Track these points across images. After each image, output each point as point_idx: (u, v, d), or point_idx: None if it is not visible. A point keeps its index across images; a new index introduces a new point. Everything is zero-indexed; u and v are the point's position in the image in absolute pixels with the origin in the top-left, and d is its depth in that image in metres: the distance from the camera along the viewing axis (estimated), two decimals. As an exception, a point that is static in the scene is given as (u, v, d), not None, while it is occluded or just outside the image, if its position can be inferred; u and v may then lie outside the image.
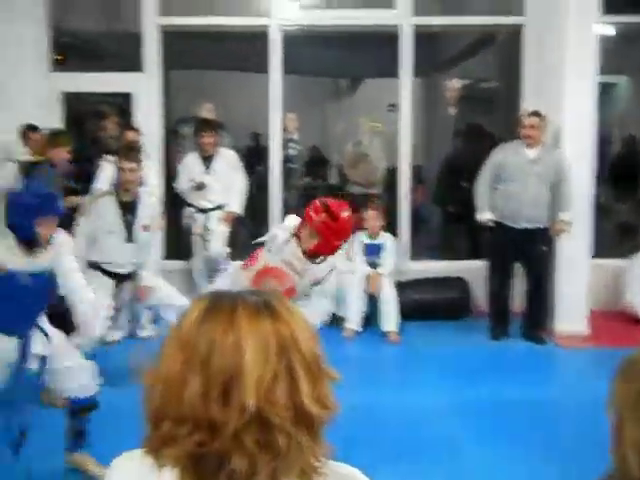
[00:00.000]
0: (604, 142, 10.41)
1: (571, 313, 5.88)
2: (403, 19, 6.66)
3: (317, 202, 3.33)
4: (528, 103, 6.44)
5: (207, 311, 1.01)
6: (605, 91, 10.46)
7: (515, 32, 6.75)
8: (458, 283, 6.52)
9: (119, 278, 4.72)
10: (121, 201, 4.67)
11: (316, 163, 8.72)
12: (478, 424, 4.14)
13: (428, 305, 6.31)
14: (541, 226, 5.71)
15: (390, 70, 7.02)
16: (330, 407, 1.02)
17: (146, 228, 4.72)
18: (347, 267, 5.99)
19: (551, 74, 6.10)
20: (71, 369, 3.35)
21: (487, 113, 8.51)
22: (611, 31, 7.41)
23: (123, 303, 4.99)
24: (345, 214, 3.31)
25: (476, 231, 6.37)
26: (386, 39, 7.09)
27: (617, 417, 1.05)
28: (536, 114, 5.79)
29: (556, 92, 5.96)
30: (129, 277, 4.75)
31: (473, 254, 6.92)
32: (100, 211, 4.64)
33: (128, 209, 4.66)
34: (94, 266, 4.61)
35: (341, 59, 9.46)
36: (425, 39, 7.31)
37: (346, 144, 7.93)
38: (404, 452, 3.72)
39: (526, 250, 5.73)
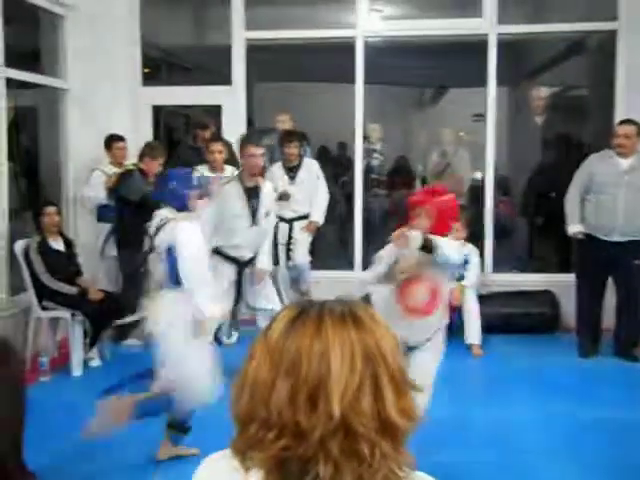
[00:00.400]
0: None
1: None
2: (489, 28, 6.56)
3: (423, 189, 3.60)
4: (621, 111, 6.22)
5: (295, 319, 1.04)
6: None
7: (608, 38, 6.54)
8: (546, 297, 6.34)
9: (241, 265, 4.91)
10: (245, 187, 4.84)
11: (400, 173, 8.68)
12: (562, 441, 4.01)
13: (514, 319, 6.17)
14: (635, 239, 5.48)
15: (475, 79, 6.93)
16: (415, 418, 1.02)
17: (267, 214, 4.94)
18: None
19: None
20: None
21: (577, 122, 8.26)
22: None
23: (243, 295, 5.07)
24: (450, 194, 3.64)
25: (565, 243, 6.19)
26: (471, 48, 7.01)
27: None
28: (630, 122, 5.58)
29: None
30: (250, 263, 4.94)
31: (562, 267, 6.72)
32: (225, 196, 4.80)
33: (252, 195, 4.86)
34: (218, 252, 4.79)
35: (425, 69, 9.40)
36: (512, 47, 7.18)
37: (430, 154, 7.88)
38: (488, 464, 3.65)
39: (618, 264, 5.51)
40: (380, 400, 0.98)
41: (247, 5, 6.69)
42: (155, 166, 5.62)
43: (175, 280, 3.56)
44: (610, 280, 5.67)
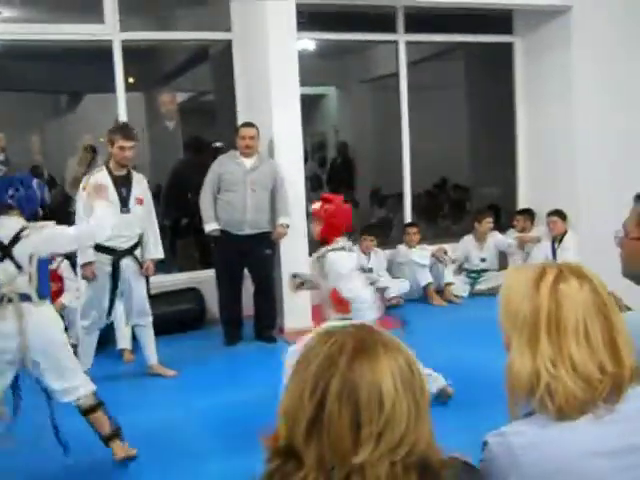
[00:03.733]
0: (321, 148, 11.31)
1: (296, 310, 6.28)
2: (112, 34, 6.59)
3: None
4: (242, 115, 6.76)
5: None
6: (316, 101, 11.36)
7: (226, 47, 7.04)
8: (192, 294, 6.61)
9: (118, 254, 5.06)
10: (114, 176, 5.06)
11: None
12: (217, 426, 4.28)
13: (163, 319, 6.26)
14: (263, 231, 6.03)
15: (109, 85, 6.91)
16: None
17: (141, 202, 5.14)
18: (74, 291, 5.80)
19: (258, 87, 6.46)
20: None
21: (207, 125, 8.73)
22: (312, 46, 8.08)
23: None
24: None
25: (205, 241, 6.51)
26: (100, 54, 6.96)
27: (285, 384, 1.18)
28: (250, 125, 6.09)
29: (265, 103, 6.32)
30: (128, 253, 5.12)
31: (204, 264, 7.07)
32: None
33: (121, 183, 5.08)
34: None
35: (57, 74, 9.08)
36: (140, 54, 7.32)
37: (69, 161, 7.64)
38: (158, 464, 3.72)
39: (251, 255, 6.00)
40: None
41: None
42: None
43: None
44: (246, 271, 6.16)
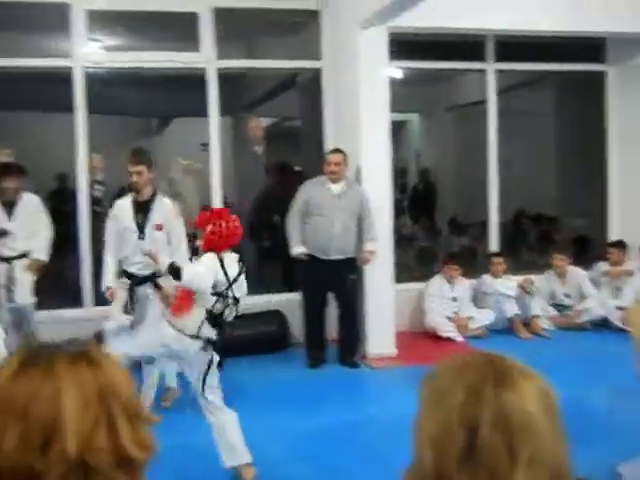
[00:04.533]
0: (402, 175, 11.32)
1: (380, 336, 6.27)
2: (207, 61, 6.82)
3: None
4: (330, 141, 6.85)
5: (25, 362, 1.03)
6: (399, 128, 11.38)
7: (315, 75, 7.17)
8: (275, 316, 6.68)
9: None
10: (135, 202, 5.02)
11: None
12: (298, 450, 4.30)
13: (246, 340, 6.38)
14: (349, 256, 6.06)
15: (198, 110, 7.14)
16: (149, 449, 1.06)
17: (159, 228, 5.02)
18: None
19: (348, 114, 6.54)
20: None
21: (293, 150, 8.88)
22: (400, 74, 8.14)
23: None
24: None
25: (290, 264, 6.59)
26: (192, 80, 7.22)
27: (418, 414, 1.18)
28: (338, 151, 6.17)
29: (354, 130, 6.39)
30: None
31: (288, 287, 7.15)
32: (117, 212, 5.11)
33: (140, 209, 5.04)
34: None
35: (150, 99, 9.44)
36: (231, 80, 7.53)
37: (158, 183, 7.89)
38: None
39: (336, 279, 6.04)
40: (116, 435, 1.01)
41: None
42: None
43: None
44: (331, 295, 6.20)
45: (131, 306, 4.93)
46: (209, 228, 3.76)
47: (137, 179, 4.96)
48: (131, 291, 4.94)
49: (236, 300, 3.85)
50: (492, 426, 1.09)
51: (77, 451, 0.98)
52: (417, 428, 1.18)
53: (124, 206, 4.99)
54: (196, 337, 3.74)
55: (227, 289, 3.76)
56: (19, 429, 0.98)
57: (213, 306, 3.75)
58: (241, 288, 3.89)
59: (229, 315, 3.85)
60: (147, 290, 4.93)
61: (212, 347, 3.80)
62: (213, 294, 3.72)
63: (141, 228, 4.94)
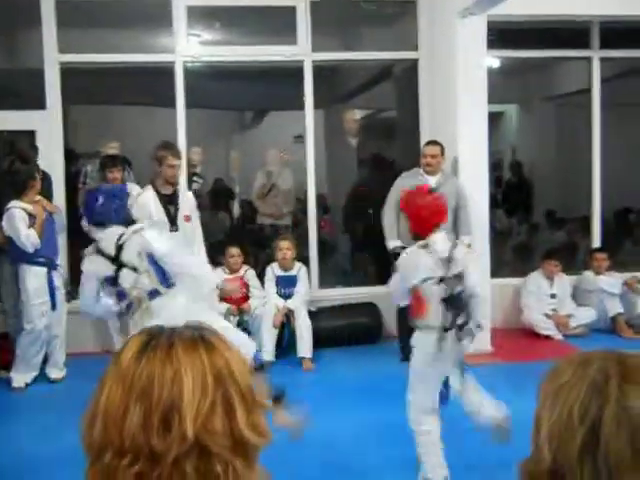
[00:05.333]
0: (496, 168, 11.04)
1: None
2: (304, 54, 6.86)
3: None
4: (426, 132, 6.76)
5: (146, 345, 1.05)
6: (495, 119, 11.10)
7: (412, 65, 7.09)
8: (369, 308, 6.69)
9: None
10: (162, 194, 5.07)
11: (218, 195, 8.65)
12: (390, 442, 4.27)
13: (341, 331, 6.44)
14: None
15: (293, 102, 7.21)
16: (265, 434, 1.07)
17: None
18: (260, 299, 6.09)
19: (444, 105, 6.43)
20: None
21: (388, 142, 8.81)
22: (497, 63, 7.93)
23: None
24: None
25: (384, 257, 6.56)
26: (289, 73, 7.28)
27: (537, 410, 1.17)
28: (435, 143, 6.08)
29: (451, 121, 6.28)
30: None
31: (382, 279, 7.11)
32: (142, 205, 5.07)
33: (169, 201, 5.09)
34: None
35: (245, 92, 9.59)
36: (326, 72, 7.55)
37: (254, 175, 8.02)
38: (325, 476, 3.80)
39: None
40: (232, 419, 1.02)
41: (61, 28, 6.47)
42: None
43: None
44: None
45: None
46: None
47: (179, 172, 5.03)
48: None
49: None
50: (615, 423, 1.07)
51: (194, 433, 0.99)
52: (537, 422, 1.17)
53: (148, 199, 4.93)
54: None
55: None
56: (141, 410, 1.00)
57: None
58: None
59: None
60: None
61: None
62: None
63: (173, 220, 4.95)
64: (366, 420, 4.68)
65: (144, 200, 4.91)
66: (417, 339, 3.68)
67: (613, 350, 1.19)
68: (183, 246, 4.82)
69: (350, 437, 4.43)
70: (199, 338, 1.07)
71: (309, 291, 6.46)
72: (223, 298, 5.63)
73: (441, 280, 3.44)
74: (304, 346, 5.94)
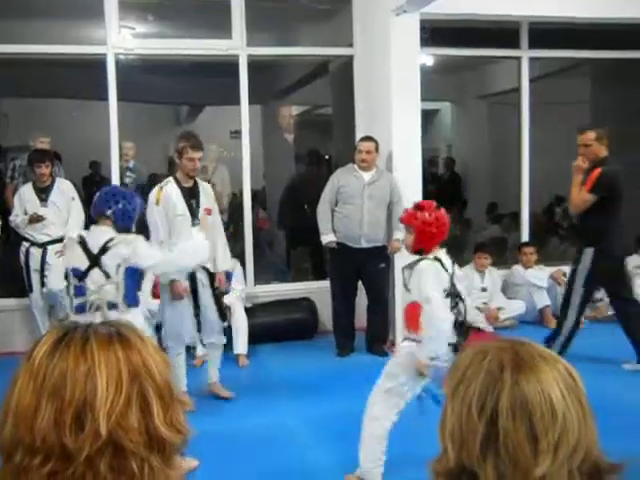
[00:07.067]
0: (432, 164, 11.23)
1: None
2: (239, 49, 6.82)
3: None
4: (361, 129, 6.82)
5: (59, 341, 1.03)
6: (430, 116, 11.29)
7: (347, 62, 7.13)
8: (305, 304, 6.71)
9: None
10: (183, 187, 4.87)
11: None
12: (328, 437, 4.30)
13: (277, 327, 6.44)
14: (378, 245, 6.04)
15: (229, 97, 7.15)
16: (183, 431, 1.05)
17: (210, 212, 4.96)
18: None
19: (379, 102, 6.50)
20: None
21: (324, 138, 8.86)
22: (431, 61, 8.06)
23: None
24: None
25: (319, 252, 6.61)
26: (224, 67, 7.23)
27: (445, 405, 1.17)
28: (369, 139, 6.13)
29: (386, 118, 6.35)
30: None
31: (318, 275, 7.16)
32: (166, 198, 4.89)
33: (190, 195, 4.91)
34: None
35: (180, 87, 9.48)
36: (262, 68, 7.53)
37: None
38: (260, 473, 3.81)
39: (365, 268, 6.03)
40: (148, 415, 1.00)
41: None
42: None
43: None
44: (360, 283, 6.19)
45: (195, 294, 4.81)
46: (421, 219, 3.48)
47: (199, 165, 4.90)
48: (192, 278, 4.78)
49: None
50: (512, 414, 1.07)
51: (108, 430, 0.97)
52: (441, 419, 1.17)
53: (172, 192, 4.81)
54: None
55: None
56: (53, 407, 0.98)
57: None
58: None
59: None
60: (201, 276, 4.82)
61: None
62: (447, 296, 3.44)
63: (194, 214, 4.85)
64: (302, 415, 4.70)
65: (168, 193, 4.76)
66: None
67: (512, 339, 1.19)
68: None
69: (286, 432, 4.44)
70: (115, 334, 1.05)
71: (245, 287, 6.45)
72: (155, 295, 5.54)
73: (448, 295, 3.44)
74: (240, 342, 5.92)
